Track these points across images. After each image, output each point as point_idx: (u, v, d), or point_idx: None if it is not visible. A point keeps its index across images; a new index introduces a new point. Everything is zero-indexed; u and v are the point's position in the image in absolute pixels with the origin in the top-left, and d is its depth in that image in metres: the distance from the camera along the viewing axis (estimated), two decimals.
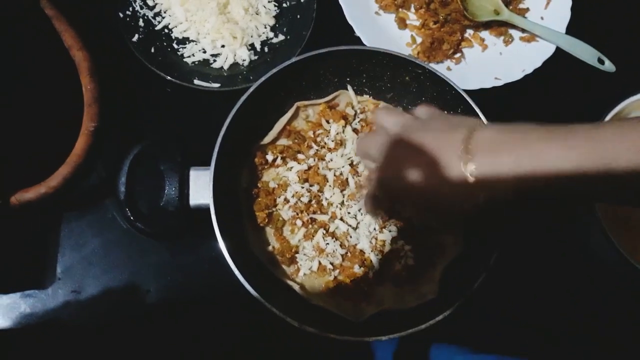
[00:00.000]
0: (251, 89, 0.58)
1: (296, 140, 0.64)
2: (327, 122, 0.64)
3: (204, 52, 0.69)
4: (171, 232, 0.57)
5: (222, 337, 0.61)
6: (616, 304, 0.65)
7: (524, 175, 0.40)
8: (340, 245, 0.59)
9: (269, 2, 0.73)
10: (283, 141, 0.64)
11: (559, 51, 0.72)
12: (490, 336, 0.62)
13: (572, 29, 0.73)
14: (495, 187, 0.42)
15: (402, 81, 0.64)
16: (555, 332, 0.63)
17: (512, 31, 0.75)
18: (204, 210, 0.54)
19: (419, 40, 0.72)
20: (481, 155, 0.42)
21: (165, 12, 0.70)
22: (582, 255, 0.66)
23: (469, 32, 0.74)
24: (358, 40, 0.69)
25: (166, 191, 0.55)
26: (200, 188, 0.55)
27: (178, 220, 0.56)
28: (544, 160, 0.39)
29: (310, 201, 0.61)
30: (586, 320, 0.64)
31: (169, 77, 0.64)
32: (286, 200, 0.61)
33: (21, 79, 0.62)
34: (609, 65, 0.72)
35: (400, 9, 0.73)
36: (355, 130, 0.64)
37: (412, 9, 0.74)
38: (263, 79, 0.58)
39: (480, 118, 0.55)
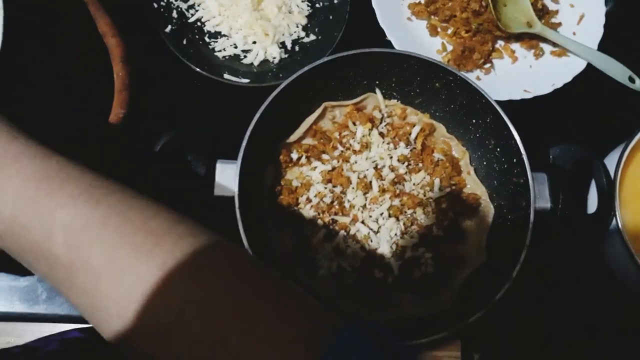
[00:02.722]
0: (281, 86, 0.57)
1: (322, 140, 0.63)
2: (354, 124, 0.64)
3: (235, 47, 0.70)
4: None
5: None
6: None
7: None
8: (361, 249, 0.59)
9: (302, 1, 0.73)
10: (308, 140, 0.64)
11: (589, 67, 0.71)
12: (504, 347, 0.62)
13: (604, 46, 0.73)
14: None
15: (431, 87, 0.64)
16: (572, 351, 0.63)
17: (543, 45, 0.74)
18: (227, 202, 0.54)
19: (449, 48, 0.72)
20: None
21: (199, 5, 0.71)
22: (603, 275, 0.65)
23: (500, 43, 0.74)
24: (389, 44, 0.69)
25: (192, 181, 0.55)
26: (226, 181, 0.55)
27: (201, 211, 0.55)
28: None
29: (332, 202, 0.60)
30: (606, 340, 0.63)
31: (199, 70, 0.64)
32: (308, 200, 0.61)
33: (51, 64, 0.62)
34: (639, 84, 0.71)
35: (432, 17, 0.73)
36: (381, 134, 0.64)
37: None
38: (293, 77, 0.58)
39: None
